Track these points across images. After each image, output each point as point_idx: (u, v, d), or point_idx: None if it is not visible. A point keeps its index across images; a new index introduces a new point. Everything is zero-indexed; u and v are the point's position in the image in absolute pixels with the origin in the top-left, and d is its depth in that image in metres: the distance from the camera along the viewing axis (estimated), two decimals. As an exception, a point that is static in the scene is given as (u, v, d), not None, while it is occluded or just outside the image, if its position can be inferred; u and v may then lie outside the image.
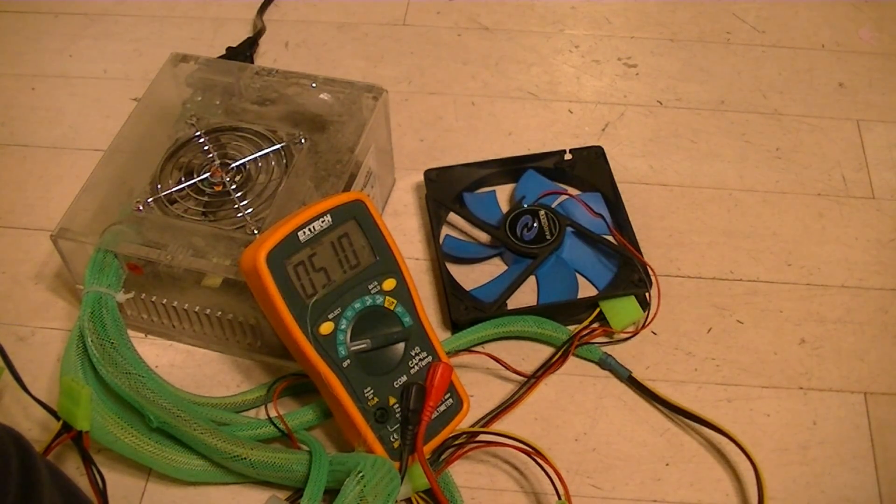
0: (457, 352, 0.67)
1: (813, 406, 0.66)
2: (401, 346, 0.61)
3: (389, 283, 0.61)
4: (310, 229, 0.59)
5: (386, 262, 0.61)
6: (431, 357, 0.62)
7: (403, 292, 0.61)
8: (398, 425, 0.59)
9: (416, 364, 0.61)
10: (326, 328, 0.58)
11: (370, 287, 0.60)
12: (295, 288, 0.57)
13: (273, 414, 0.63)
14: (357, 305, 0.60)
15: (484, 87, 0.89)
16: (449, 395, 0.62)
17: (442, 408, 0.61)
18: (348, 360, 0.59)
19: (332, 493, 0.58)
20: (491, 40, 0.93)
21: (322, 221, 0.59)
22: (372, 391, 0.59)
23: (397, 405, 0.60)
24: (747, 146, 0.83)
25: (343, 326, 0.59)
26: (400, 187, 0.80)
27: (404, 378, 0.60)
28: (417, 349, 0.61)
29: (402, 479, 0.58)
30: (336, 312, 0.59)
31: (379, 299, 0.61)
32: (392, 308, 0.61)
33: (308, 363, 0.58)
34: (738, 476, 0.63)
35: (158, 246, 0.63)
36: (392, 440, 0.59)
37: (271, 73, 0.74)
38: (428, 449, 0.60)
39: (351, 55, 0.92)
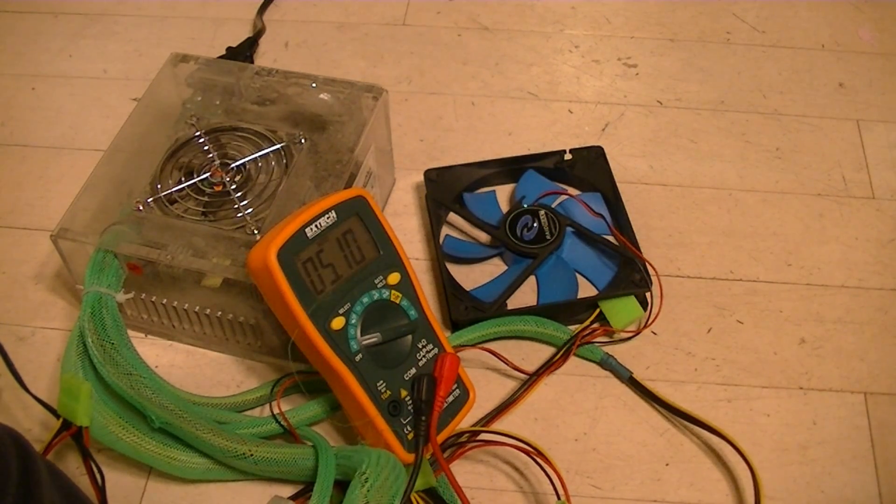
0: (458, 347, 0.67)
1: (813, 406, 0.66)
2: (408, 338, 0.61)
3: (394, 278, 0.61)
4: (316, 226, 0.59)
5: (389, 256, 0.61)
6: (437, 349, 0.62)
7: (408, 286, 0.62)
8: (411, 417, 0.60)
9: (424, 356, 0.61)
10: (338, 323, 0.58)
11: (376, 281, 0.61)
12: (305, 284, 0.57)
13: (276, 411, 0.63)
14: (365, 300, 0.60)
15: (484, 87, 0.89)
16: (456, 385, 0.62)
17: (450, 399, 0.61)
18: (360, 355, 0.59)
19: (339, 483, 0.58)
20: (491, 40, 0.93)
21: (327, 218, 0.59)
22: (384, 384, 0.59)
23: (408, 397, 0.60)
24: (747, 146, 0.83)
25: (353, 321, 0.59)
26: (400, 187, 0.80)
27: (413, 370, 0.61)
28: (424, 341, 0.62)
29: (418, 470, 0.58)
30: (346, 307, 0.59)
31: (385, 293, 0.61)
32: (398, 301, 0.61)
33: (321, 359, 0.58)
34: (737, 477, 0.63)
35: (158, 246, 0.63)
36: (406, 432, 0.59)
37: (271, 73, 0.74)
38: (440, 439, 0.60)
39: (351, 55, 0.92)
